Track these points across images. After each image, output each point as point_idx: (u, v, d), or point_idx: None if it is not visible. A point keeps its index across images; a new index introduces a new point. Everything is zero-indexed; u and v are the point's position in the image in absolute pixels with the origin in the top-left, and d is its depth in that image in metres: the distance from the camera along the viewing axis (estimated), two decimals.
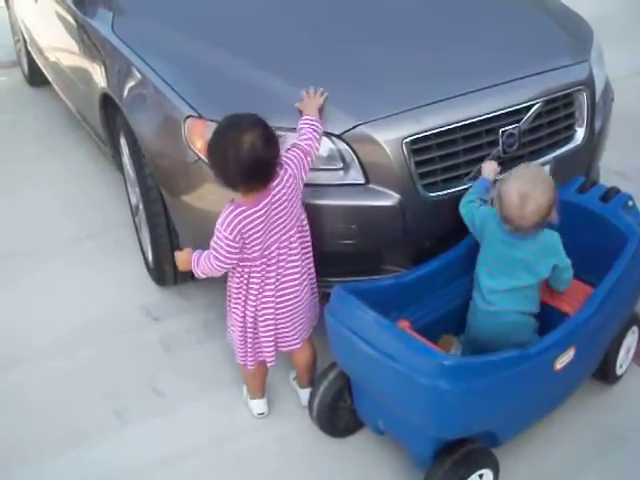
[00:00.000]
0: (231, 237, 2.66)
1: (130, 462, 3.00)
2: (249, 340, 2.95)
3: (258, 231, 2.70)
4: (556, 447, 3.02)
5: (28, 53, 6.13)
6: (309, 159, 2.84)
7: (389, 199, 3.01)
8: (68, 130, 5.54)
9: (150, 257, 3.79)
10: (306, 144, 2.84)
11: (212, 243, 2.72)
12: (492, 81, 3.21)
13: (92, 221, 4.47)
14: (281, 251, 2.81)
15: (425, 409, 2.51)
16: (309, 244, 2.95)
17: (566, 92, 3.38)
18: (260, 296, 2.86)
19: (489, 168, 3.11)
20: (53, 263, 4.15)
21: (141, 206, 3.69)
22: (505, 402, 2.60)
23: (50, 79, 5.51)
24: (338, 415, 2.99)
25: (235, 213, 2.65)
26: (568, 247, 2.89)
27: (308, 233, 2.93)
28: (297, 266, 2.87)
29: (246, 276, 2.82)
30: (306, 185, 2.87)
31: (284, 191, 2.73)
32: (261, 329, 2.93)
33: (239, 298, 2.88)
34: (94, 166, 5.04)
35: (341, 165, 3.00)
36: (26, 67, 6.43)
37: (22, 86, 6.54)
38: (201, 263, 2.77)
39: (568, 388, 3.00)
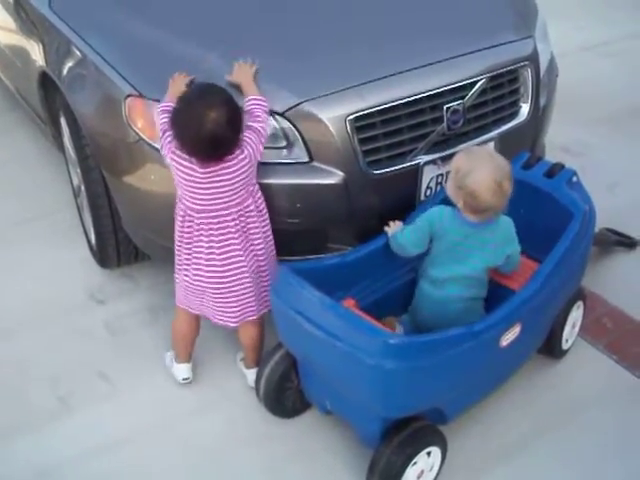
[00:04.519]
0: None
1: (76, 448, 2.96)
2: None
3: (185, 179, 2.71)
4: (504, 423, 3.04)
5: None
6: (263, 141, 2.79)
7: (333, 177, 2.99)
8: (7, 110, 5.40)
9: (93, 239, 3.72)
10: (260, 126, 2.79)
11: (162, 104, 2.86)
12: (436, 57, 3.18)
13: (33, 203, 4.38)
14: (214, 226, 2.76)
15: (371, 388, 2.50)
16: (261, 232, 2.88)
17: (511, 68, 3.36)
18: (194, 247, 2.83)
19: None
20: None
21: (83, 187, 3.62)
22: (451, 380, 2.60)
23: None
24: (285, 395, 2.98)
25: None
26: (514, 223, 2.90)
27: (262, 222, 2.87)
28: (235, 249, 2.81)
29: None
30: None
31: (232, 169, 2.69)
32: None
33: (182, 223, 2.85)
34: (35, 147, 4.93)
35: (284, 143, 2.96)
36: None
37: None
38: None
39: (514, 364, 3.02)
